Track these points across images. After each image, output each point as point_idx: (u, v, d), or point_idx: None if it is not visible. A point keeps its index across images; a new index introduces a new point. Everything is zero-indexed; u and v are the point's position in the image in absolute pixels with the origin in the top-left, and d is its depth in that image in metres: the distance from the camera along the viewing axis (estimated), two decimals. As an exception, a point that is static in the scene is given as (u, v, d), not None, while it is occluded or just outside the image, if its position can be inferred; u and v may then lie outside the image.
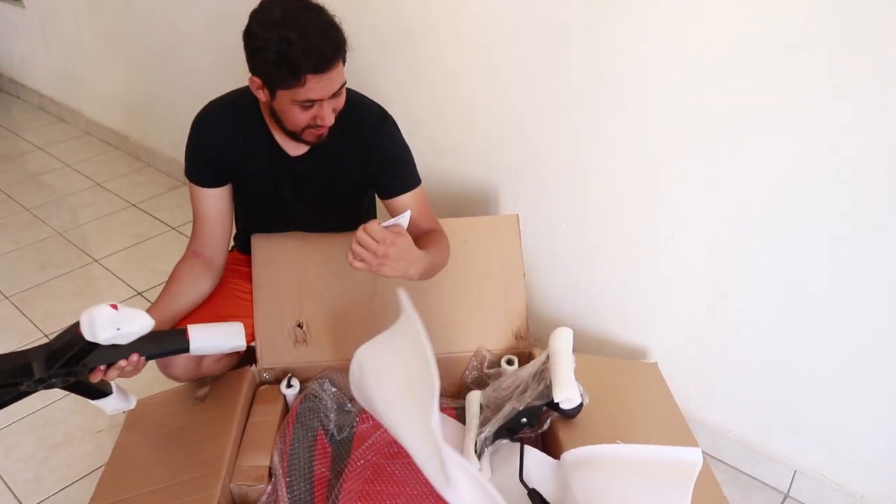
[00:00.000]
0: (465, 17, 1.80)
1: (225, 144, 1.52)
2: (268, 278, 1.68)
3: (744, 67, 1.38)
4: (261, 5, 1.34)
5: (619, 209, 1.72)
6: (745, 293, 1.58)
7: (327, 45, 1.30)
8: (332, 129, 1.46)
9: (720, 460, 1.78)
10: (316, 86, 1.33)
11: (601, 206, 1.75)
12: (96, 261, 2.69)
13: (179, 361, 1.51)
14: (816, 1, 1.25)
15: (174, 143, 3.26)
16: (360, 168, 1.56)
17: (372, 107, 1.58)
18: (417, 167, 1.61)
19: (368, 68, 2.10)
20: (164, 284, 1.56)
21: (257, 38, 1.31)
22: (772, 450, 1.69)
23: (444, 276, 1.67)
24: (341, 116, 1.47)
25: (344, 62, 1.38)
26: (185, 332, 1.37)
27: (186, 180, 1.57)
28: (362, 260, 1.29)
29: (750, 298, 1.58)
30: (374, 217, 1.72)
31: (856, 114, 1.28)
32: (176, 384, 1.64)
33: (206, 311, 1.57)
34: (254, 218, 1.70)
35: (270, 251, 1.69)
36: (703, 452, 1.73)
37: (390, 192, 1.56)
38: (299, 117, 1.39)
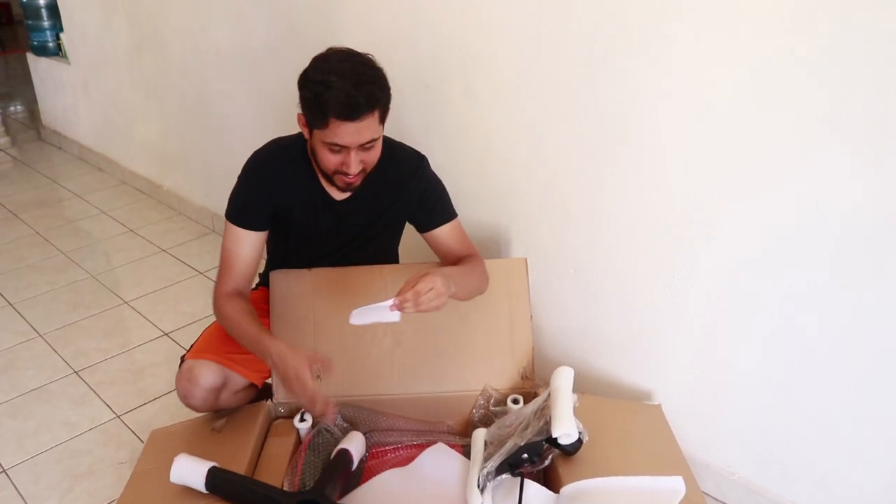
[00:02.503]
0: (478, 73, 1.91)
1: (277, 186, 1.63)
2: (284, 314, 1.76)
3: (740, 124, 1.47)
4: (325, 51, 1.49)
5: (623, 256, 1.78)
6: (745, 337, 1.63)
7: (359, 93, 1.41)
8: (374, 172, 1.57)
9: (724, 503, 1.80)
10: (341, 132, 1.43)
11: (606, 253, 1.82)
12: (126, 302, 2.80)
13: (198, 393, 1.59)
14: (811, 60, 1.34)
15: (204, 193, 3.40)
16: (400, 206, 1.69)
17: (408, 150, 1.72)
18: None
19: (387, 121, 2.21)
20: (194, 324, 1.63)
21: (306, 77, 1.46)
22: (775, 493, 1.71)
23: (455, 316, 1.75)
24: (382, 160, 1.58)
25: (382, 119, 1.50)
26: None
27: (226, 223, 1.65)
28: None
29: (749, 342, 1.63)
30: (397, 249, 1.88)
31: (849, 165, 1.36)
32: (195, 415, 1.71)
33: (229, 345, 1.65)
34: (293, 254, 1.79)
35: (287, 286, 1.78)
36: (708, 495, 1.77)
37: (428, 225, 1.69)
38: (328, 160, 1.50)
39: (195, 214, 3.51)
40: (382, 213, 1.70)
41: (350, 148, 1.46)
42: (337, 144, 1.46)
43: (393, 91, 2.16)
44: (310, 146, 1.57)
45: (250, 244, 1.65)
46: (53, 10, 4.21)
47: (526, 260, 1.81)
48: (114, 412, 2.19)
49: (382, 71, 1.50)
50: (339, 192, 1.63)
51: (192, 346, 1.71)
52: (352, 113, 1.41)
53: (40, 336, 2.60)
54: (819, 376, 1.55)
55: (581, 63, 1.68)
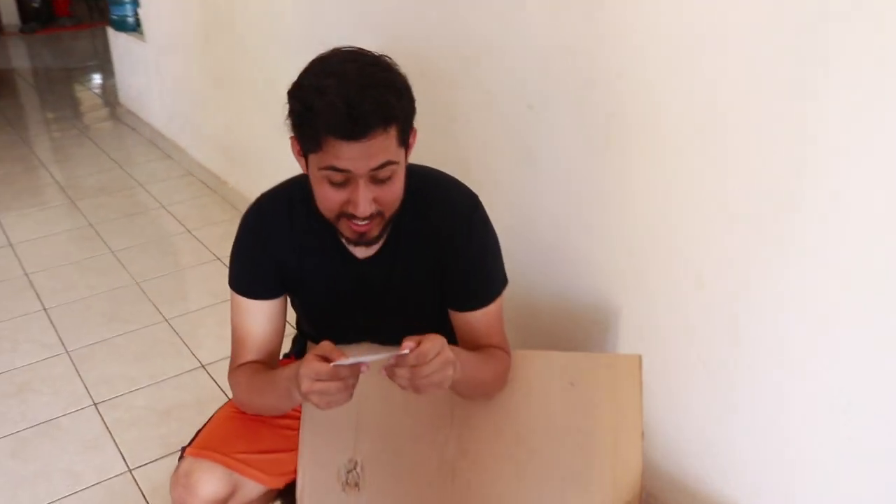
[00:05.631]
0: (602, 91, 1.46)
1: (279, 243, 1.22)
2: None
3: None
4: (326, 52, 1.07)
5: (777, 359, 1.31)
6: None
7: (364, 99, 0.97)
8: (412, 217, 1.16)
9: None
10: (339, 153, 1.00)
11: (753, 350, 1.35)
12: (166, 320, 2.48)
13: (195, 505, 1.21)
14: None
15: (269, 195, 3.08)
16: (440, 260, 1.23)
17: (463, 189, 1.25)
18: (519, 280, 1.27)
19: (477, 146, 1.80)
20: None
21: (297, 84, 1.04)
22: None
23: (540, 423, 1.32)
24: (424, 200, 1.17)
25: (403, 140, 1.06)
26: None
27: (230, 292, 1.25)
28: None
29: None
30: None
31: None
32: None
33: (241, 439, 1.27)
34: (316, 329, 1.38)
35: (328, 367, 1.38)
36: None
37: (464, 305, 1.24)
38: (329, 196, 1.06)
39: (258, 218, 3.18)
40: (425, 276, 1.24)
41: (356, 176, 1.03)
42: (336, 168, 1.02)
43: (486, 108, 1.75)
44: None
45: (262, 317, 1.24)
46: (134, -18, 3.97)
47: (640, 358, 1.34)
48: (126, 464, 1.87)
49: (403, 76, 1.05)
50: (354, 245, 1.19)
51: (196, 434, 1.32)
52: (354, 127, 0.97)
53: (66, 352, 2.31)
54: None
55: (745, 86, 1.21)
